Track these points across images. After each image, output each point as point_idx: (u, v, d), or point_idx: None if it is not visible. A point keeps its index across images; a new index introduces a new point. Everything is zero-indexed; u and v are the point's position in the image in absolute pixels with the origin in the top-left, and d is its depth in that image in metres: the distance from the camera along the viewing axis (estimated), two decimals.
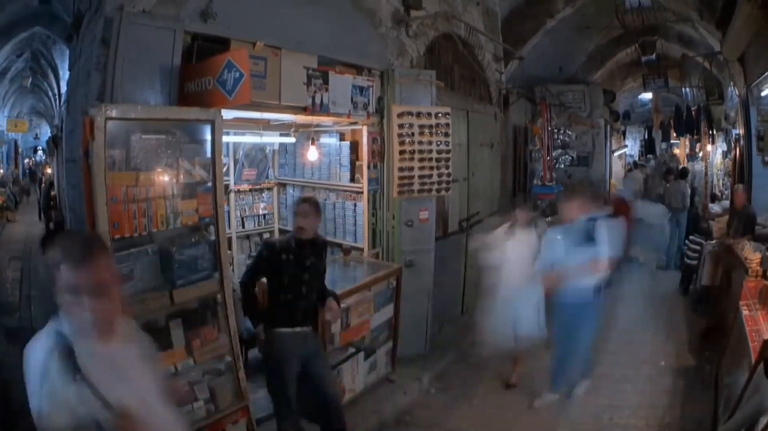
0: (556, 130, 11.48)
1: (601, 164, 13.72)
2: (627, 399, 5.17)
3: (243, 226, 6.76)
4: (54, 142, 16.15)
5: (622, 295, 7.87)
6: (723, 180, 12.52)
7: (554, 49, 11.42)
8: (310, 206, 3.97)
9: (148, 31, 3.99)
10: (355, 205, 6.11)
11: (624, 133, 21.08)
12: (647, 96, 18.52)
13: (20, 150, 29.68)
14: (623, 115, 19.02)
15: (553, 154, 11.64)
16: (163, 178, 3.61)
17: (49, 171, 25.83)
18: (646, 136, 21.32)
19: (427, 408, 5.28)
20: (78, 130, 6.72)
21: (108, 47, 3.92)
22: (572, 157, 12.21)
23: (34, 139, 33.55)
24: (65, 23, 11.92)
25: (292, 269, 3.88)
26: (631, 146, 23.04)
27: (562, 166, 11.88)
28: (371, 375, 5.32)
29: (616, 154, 18.42)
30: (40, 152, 34.67)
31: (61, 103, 14.52)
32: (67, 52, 13.68)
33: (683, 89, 13.64)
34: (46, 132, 30.67)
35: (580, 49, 13.44)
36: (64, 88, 14.54)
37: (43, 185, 20.16)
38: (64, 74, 15.58)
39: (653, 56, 13.12)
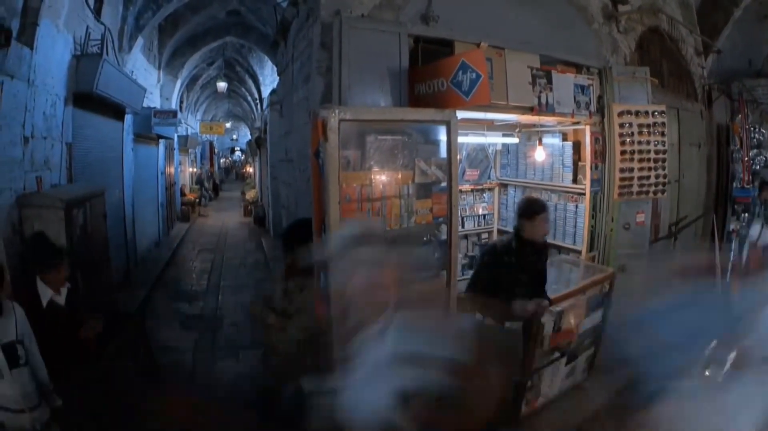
0: (752, 129, 9.79)
1: None
2: None
3: (462, 226, 6.36)
4: (257, 143, 16.86)
5: None
6: None
7: (742, 40, 9.81)
8: (548, 212, 3.74)
9: (371, 35, 3.85)
10: (576, 207, 5.62)
11: None
12: None
13: (216, 150, 31.19)
14: None
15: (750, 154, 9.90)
16: (399, 177, 3.40)
17: (249, 170, 27.54)
18: None
19: (611, 418, 4.57)
20: (296, 131, 6.80)
21: (329, 51, 3.83)
22: (766, 158, 10.34)
23: (232, 140, 36.13)
24: (259, 32, 12.42)
25: (512, 270, 3.56)
26: None
27: (757, 167, 10.11)
28: (567, 380, 4.78)
29: None
30: (237, 152, 37.24)
31: (263, 107, 14.98)
32: (266, 59, 14.25)
33: None
34: (244, 134, 32.74)
35: (764, 40, 11.47)
36: (265, 93, 15.11)
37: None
38: (264, 80, 16.09)
39: None
